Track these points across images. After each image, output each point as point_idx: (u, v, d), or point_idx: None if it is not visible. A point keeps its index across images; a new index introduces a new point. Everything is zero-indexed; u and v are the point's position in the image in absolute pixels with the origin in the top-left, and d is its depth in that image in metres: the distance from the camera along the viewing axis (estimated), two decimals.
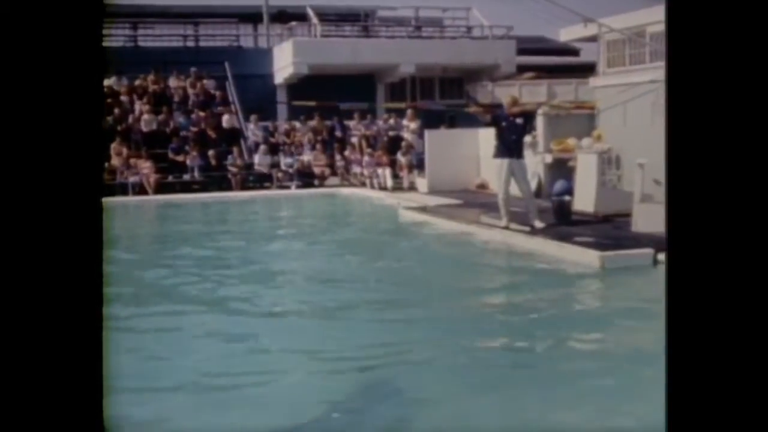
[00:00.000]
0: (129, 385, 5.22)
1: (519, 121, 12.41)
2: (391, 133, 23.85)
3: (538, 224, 12.00)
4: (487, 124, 12.67)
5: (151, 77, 24.60)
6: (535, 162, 15.70)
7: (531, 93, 24.91)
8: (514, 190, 12.32)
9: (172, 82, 24.86)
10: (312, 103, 24.29)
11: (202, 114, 23.62)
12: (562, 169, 15.11)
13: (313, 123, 24.12)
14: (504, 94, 27.21)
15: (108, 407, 1.57)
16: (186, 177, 21.64)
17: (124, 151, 21.48)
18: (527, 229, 11.93)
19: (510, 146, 12.21)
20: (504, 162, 12.22)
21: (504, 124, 12.34)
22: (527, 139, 13.46)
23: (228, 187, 21.45)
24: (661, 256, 9.16)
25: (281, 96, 27.32)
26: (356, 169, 22.26)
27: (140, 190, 20.75)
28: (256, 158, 22.36)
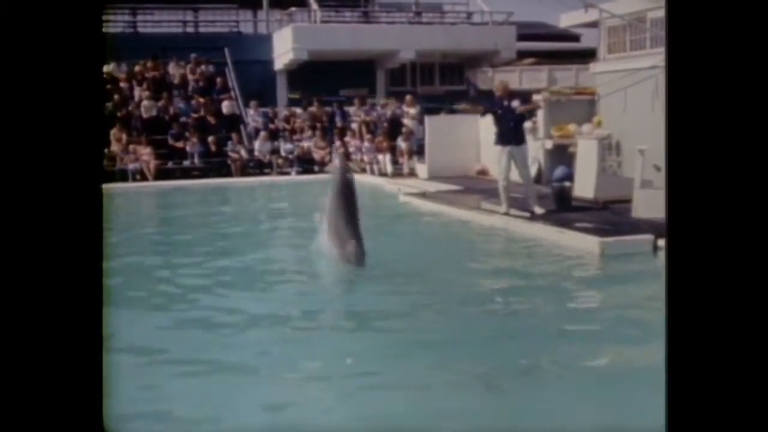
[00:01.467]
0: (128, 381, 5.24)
1: (515, 105, 12.36)
2: (389, 115, 23.78)
3: (538, 210, 12.00)
4: (482, 114, 12.61)
5: (150, 63, 24.52)
6: (535, 148, 15.66)
7: (531, 79, 24.86)
8: (514, 176, 12.32)
9: (172, 68, 24.78)
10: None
11: (201, 100, 23.56)
12: (562, 155, 15.08)
13: (313, 109, 24.07)
14: (504, 79, 27.19)
15: (108, 407, 1.57)
16: (186, 163, 21.62)
17: (124, 137, 21.44)
18: (527, 215, 11.94)
19: (509, 133, 12.18)
20: (504, 149, 12.20)
21: (500, 111, 12.30)
22: (527, 125, 13.32)
23: (228, 174, 21.42)
24: (662, 242, 9.16)
25: (281, 82, 27.26)
26: (356, 155, 22.22)
27: (140, 176, 20.73)
28: (256, 144, 22.32)
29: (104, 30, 1.59)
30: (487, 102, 13.43)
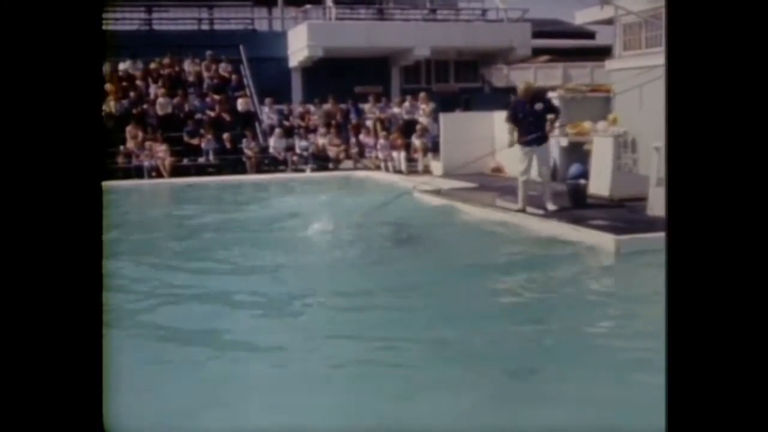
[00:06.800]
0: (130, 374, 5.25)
1: (538, 107, 12.37)
2: (406, 117, 23.79)
3: (552, 207, 11.99)
4: (508, 121, 12.60)
5: (166, 61, 24.62)
6: (550, 145, 15.61)
7: (546, 76, 24.79)
8: (533, 173, 12.33)
9: (187, 66, 24.87)
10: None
11: (217, 97, 23.62)
12: (577, 152, 15.04)
13: (327, 106, 24.08)
14: (519, 77, 27.15)
15: (108, 407, 1.56)
16: (201, 160, 21.69)
17: (140, 134, 21.54)
18: (542, 212, 11.91)
19: (530, 134, 12.20)
20: (525, 149, 12.25)
21: (521, 115, 12.34)
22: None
23: (243, 171, 21.48)
24: None
25: (296, 79, 27.29)
26: (371, 152, 22.23)
27: (156, 173, 20.82)
28: (271, 141, 22.36)
29: (104, 26, 1.58)
30: (509, 106, 13.33)
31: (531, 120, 12.25)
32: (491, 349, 6.33)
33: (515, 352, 6.32)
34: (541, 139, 12.31)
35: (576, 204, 12.46)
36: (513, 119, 12.47)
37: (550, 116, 12.58)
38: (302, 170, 21.79)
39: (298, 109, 24.52)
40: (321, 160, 22.08)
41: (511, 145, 12.77)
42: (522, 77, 26.48)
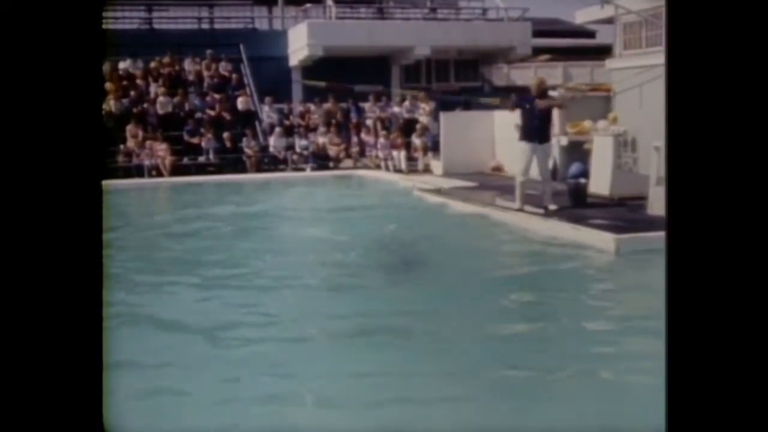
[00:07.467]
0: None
1: (542, 103, 12.38)
2: (406, 116, 23.77)
3: (552, 206, 11.98)
4: (512, 109, 12.61)
5: (166, 60, 24.60)
6: (551, 144, 15.61)
7: (546, 75, 24.76)
8: (533, 172, 12.32)
9: (188, 65, 24.86)
10: (322, 84, 24.21)
11: (217, 96, 23.61)
12: (577, 151, 15.03)
13: (328, 105, 24.07)
14: (519, 76, 27.17)
15: (108, 407, 1.56)
16: (201, 159, 21.68)
17: (140, 133, 21.53)
18: (542, 211, 11.91)
19: (533, 130, 12.19)
20: (528, 145, 12.22)
21: (527, 107, 12.33)
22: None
23: (243, 170, 21.46)
24: None
25: (296, 78, 27.27)
26: (371, 151, 22.22)
27: (156, 172, 20.81)
28: (271, 140, 22.34)
29: (105, 25, 1.58)
30: (517, 99, 13.37)
31: (536, 115, 12.26)
32: (490, 349, 6.32)
33: (515, 353, 6.31)
34: (544, 137, 12.30)
35: (576, 203, 12.46)
36: (519, 108, 12.52)
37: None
38: (302, 169, 21.77)
39: (298, 108, 24.50)
40: (321, 159, 22.06)
41: (512, 108, 12.80)
42: (522, 76, 26.55)
